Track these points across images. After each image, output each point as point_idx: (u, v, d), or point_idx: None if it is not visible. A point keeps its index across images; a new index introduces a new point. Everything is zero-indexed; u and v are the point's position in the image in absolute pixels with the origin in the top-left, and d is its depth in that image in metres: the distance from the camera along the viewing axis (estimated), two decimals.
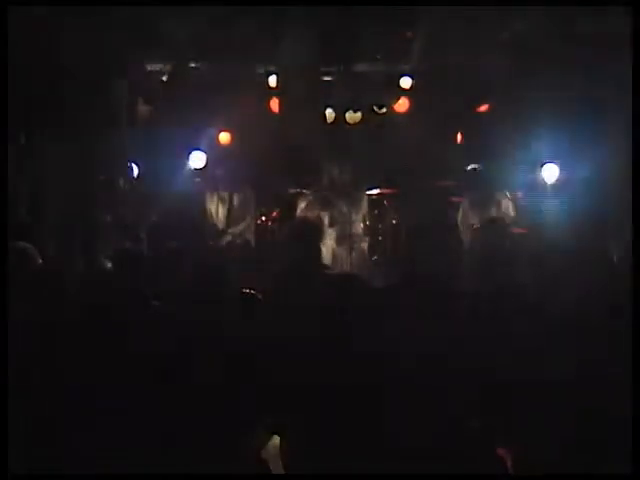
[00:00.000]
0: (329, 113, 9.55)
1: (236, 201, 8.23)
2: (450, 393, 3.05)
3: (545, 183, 8.53)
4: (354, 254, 7.99)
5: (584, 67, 8.12)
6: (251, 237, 8.36)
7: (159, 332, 3.44)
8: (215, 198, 8.28)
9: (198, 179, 9.02)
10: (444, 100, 8.98)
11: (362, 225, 8.26)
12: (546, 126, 8.26)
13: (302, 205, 8.21)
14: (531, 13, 7.84)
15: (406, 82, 9.46)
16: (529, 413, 3.17)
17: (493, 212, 8.18)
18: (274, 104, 9.46)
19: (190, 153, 8.84)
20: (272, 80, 9.40)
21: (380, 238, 8.98)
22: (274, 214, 9.14)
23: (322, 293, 3.33)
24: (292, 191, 9.06)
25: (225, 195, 8.24)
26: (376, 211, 8.95)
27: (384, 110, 9.71)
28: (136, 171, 8.81)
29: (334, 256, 7.86)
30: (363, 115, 9.60)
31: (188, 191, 8.81)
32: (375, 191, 8.94)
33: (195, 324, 3.45)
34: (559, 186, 8.45)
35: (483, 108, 9.41)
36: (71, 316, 3.62)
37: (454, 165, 8.95)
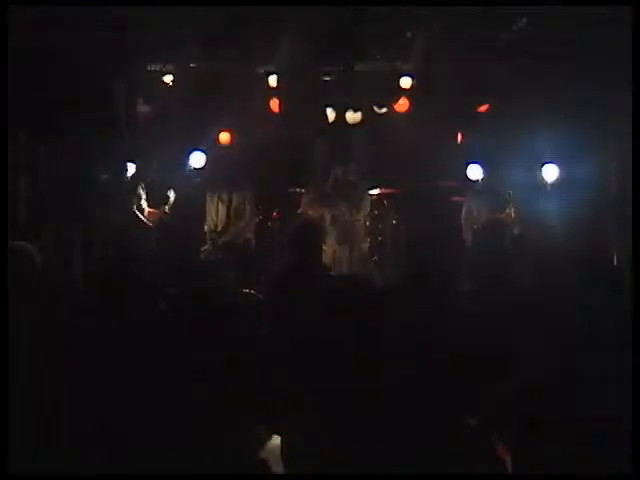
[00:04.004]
0: (329, 113, 9.55)
1: (236, 201, 8.23)
2: (450, 393, 3.05)
3: (545, 183, 8.53)
4: (354, 254, 7.99)
5: (584, 67, 8.13)
6: (251, 237, 8.37)
7: (159, 332, 3.44)
8: (215, 198, 8.28)
9: (198, 179, 9.02)
10: (444, 100, 8.98)
11: (362, 225, 8.27)
12: (546, 126, 8.26)
13: (302, 205, 8.22)
14: (531, 13, 7.84)
15: (406, 82, 9.46)
16: (529, 413, 3.17)
17: (493, 212, 8.19)
18: (274, 104, 9.47)
19: (190, 153, 8.85)
20: (272, 80, 9.40)
21: (380, 238, 8.99)
22: (274, 214, 9.15)
23: (323, 293, 3.33)
24: (292, 191, 9.07)
25: (225, 195, 8.24)
26: (376, 211, 8.96)
27: (384, 110, 9.71)
28: (136, 171, 8.80)
29: (334, 256, 7.86)
30: (363, 115, 9.60)
31: (188, 191, 8.82)
32: (375, 191, 8.94)
33: (195, 324, 3.45)
34: (559, 186, 8.45)
35: (483, 108, 9.42)
36: (71, 315, 3.62)
37: (454, 165, 8.95)
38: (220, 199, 8.25)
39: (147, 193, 8.54)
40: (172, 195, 8.52)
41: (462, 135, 9.71)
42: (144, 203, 8.48)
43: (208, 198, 8.34)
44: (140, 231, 8.39)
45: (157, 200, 8.62)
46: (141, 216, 8.42)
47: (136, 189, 8.49)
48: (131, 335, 3.38)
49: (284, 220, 8.71)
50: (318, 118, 9.44)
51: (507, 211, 8.22)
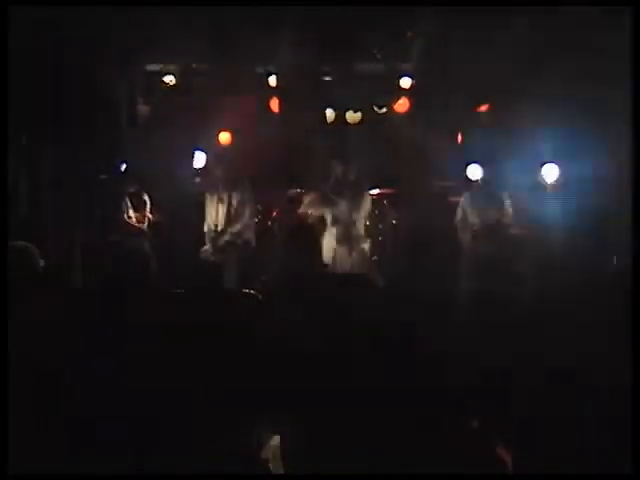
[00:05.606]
0: (329, 113, 9.55)
1: (236, 201, 8.23)
2: (450, 392, 3.05)
3: (545, 183, 8.53)
4: (354, 254, 7.99)
5: (584, 67, 8.14)
6: (251, 237, 8.36)
7: (160, 331, 3.44)
8: (215, 198, 8.27)
9: (198, 179, 9.03)
10: (444, 100, 8.99)
11: (362, 225, 8.27)
12: (546, 126, 8.26)
13: (302, 205, 8.22)
14: (531, 13, 7.84)
15: (406, 82, 9.47)
16: (529, 413, 3.17)
17: (493, 212, 8.18)
18: (274, 104, 9.47)
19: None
20: (272, 80, 9.41)
21: (380, 238, 8.99)
22: (274, 214, 9.15)
23: (323, 293, 3.33)
24: (292, 191, 9.07)
25: (225, 195, 8.23)
26: (376, 211, 8.96)
27: (384, 110, 9.72)
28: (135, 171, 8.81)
29: (334, 256, 7.86)
30: (363, 115, 9.61)
31: (188, 191, 8.83)
32: (375, 191, 8.94)
33: (196, 323, 3.45)
34: (559, 186, 8.45)
35: (483, 108, 9.42)
36: (71, 315, 3.62)
37: (454, 165, 8.96)
38: (220, 199, 8.24)
39: (149, 195, 8.57)
40: (147, 199, 8.55)
41: (462, 135, 9.72)
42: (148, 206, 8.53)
43: (208, 198, 8.33)
44: (140, 231, 8.40)
45: (157, 200, 8.64)
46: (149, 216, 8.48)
47: (135, 190, 8.52)
48: (131, 335, 3.38)
49: (284, 220, 8.71)
50: (318, 118, 9.45)
51: (506, 211, 8.21)
